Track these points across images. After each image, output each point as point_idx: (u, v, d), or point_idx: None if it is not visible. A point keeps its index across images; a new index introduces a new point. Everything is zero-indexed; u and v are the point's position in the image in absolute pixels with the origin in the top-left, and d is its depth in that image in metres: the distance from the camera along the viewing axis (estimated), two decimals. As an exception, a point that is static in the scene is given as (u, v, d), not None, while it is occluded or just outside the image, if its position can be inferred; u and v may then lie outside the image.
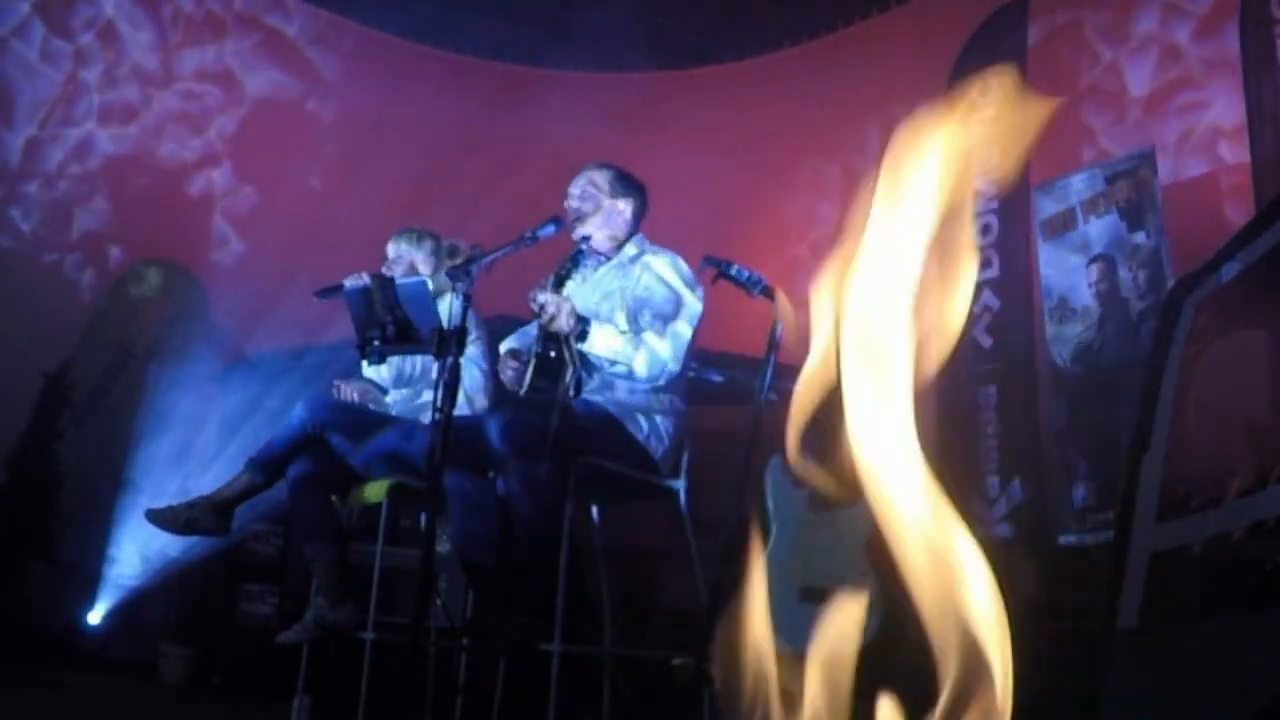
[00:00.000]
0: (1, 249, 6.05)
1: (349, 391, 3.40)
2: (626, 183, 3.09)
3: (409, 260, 3.51)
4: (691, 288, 2.93)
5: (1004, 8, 5.06)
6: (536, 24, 6.84)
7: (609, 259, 3.06)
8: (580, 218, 3.02)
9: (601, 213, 3.03)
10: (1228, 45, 4.62)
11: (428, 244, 3.55)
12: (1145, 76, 5.23)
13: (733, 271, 2.70)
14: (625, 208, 3.06)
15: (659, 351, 2.80)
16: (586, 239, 3.01)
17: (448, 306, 2.67)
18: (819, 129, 6.69)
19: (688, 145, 6.63)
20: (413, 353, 3.26)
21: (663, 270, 2.94)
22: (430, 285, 3.00)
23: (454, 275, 2.67)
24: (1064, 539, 4.17)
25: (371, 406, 3.41)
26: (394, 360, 3.34)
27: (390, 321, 2.91)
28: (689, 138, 6.72)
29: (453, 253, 3.49)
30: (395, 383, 3.45)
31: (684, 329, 2.87)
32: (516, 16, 6.79)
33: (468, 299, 2.62)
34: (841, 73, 6.55)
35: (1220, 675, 1.66)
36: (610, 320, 2.87)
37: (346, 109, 6.99)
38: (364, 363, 3.41)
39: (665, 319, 2.85)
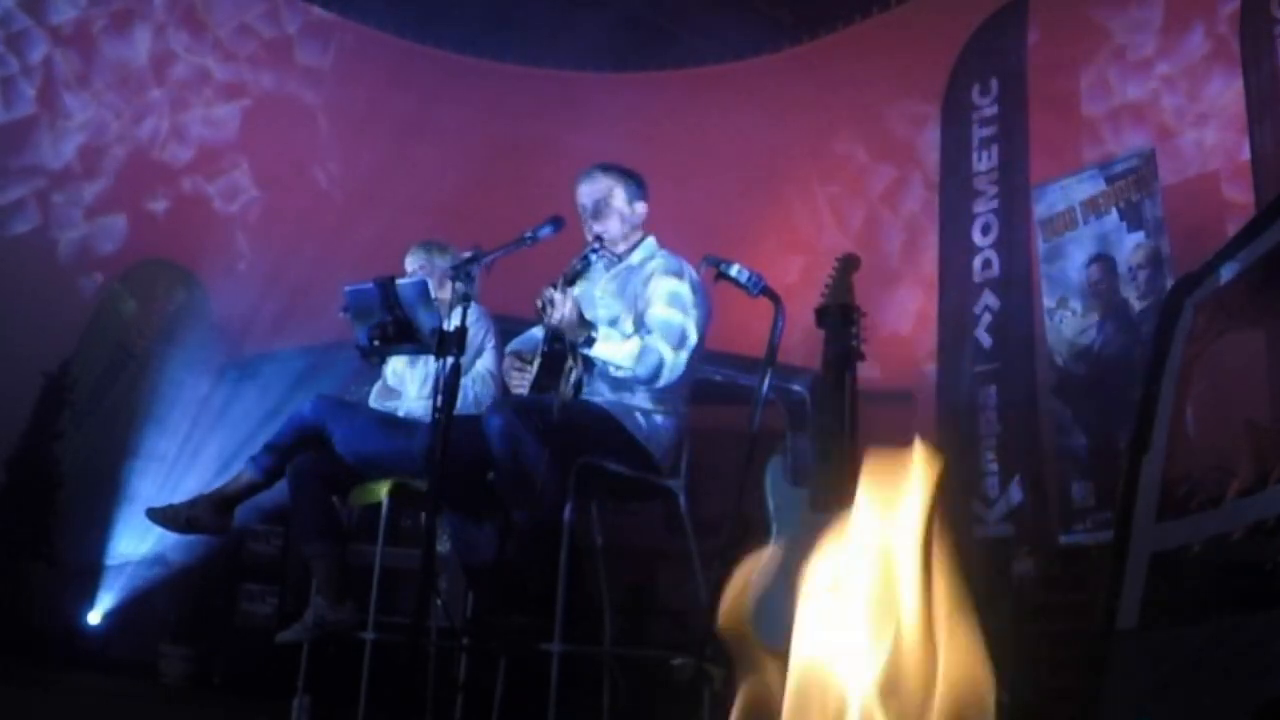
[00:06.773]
0: (1, 249, 6.05)
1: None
2: (638, 184, 3.09)
3: (428, 272, 3.42)
4: (699, 294, 2.92)
5: (1004, 8, 5.06)
6: (534, 24, 6.84)
7: (620, 259, 3.06)
8: (594, 217, 3.01)
9: (615, 213, 3.03)
10: (1228, 45, 4.63)
11: (449, 256, 3.48)
12: (1145, 76, 5.23)
13: (733, 271, 2.68)
14: (639, 208, 3.06)
15: (664, 356, 2.80)
16: (600, 238, 3.00)
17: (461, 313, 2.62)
18: (819, 128, 6.69)
19: (687, 145, 6.64)
20: (412, 353, 3.25)
21: (671, 276, 2.93)
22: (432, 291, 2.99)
23: (454, 275, 2.67)
24: (1064, 539, 4.17)
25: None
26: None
27: (390, 321, 2.90)
28: (688, 138, 6.72)
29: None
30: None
31: (690, 335, 2.87)
32: (517, 17, 6.79)
33: (467, 299, 2.61)
34: (841, 73, 6.55)
35: (1220, 675, 1.66)
36: (616, 322, 2.87)
37: (349, 109, 6.99)
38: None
39: (671, 324, 2.85)
